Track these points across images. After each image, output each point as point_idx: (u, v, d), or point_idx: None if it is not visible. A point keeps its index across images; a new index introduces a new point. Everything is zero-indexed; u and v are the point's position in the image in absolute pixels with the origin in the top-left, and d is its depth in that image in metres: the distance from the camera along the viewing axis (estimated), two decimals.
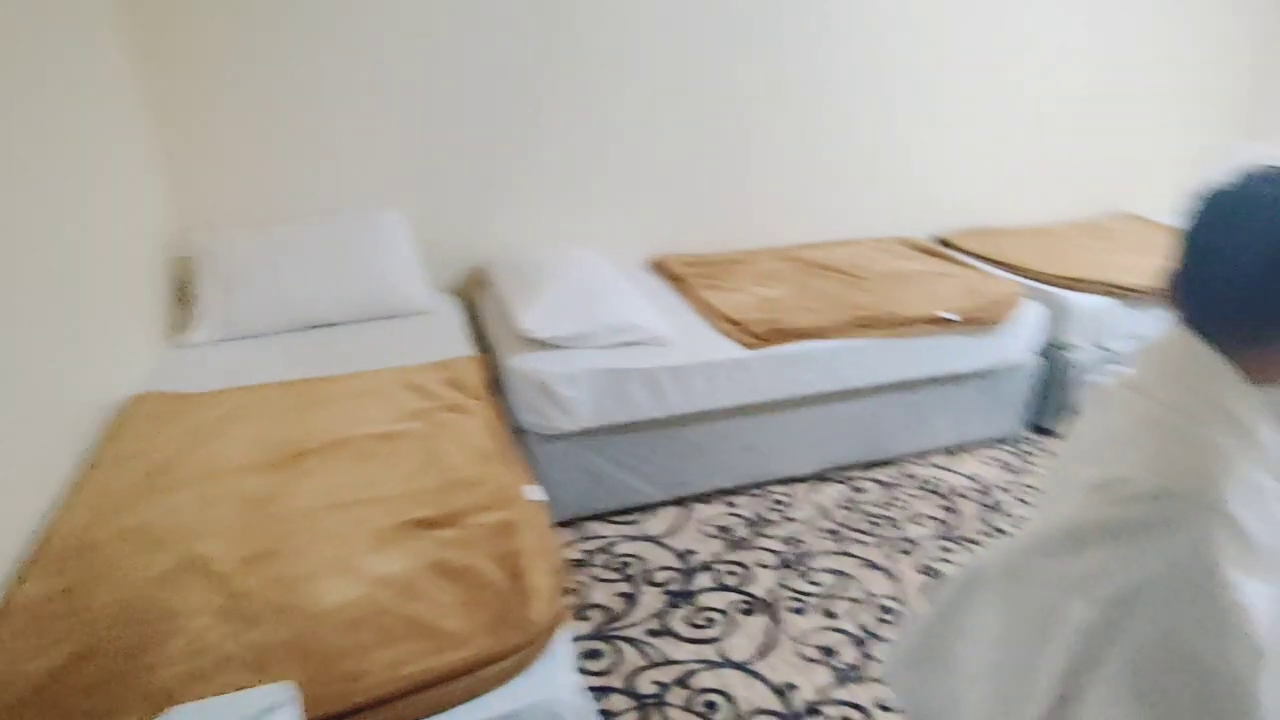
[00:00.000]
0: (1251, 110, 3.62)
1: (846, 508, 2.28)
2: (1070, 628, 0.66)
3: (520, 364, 2.00)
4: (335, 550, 1.24)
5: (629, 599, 1.88)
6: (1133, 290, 2.55)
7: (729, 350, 2.15)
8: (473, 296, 2.59)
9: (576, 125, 2.58)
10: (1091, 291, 2.59)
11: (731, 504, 2.28)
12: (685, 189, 2.82)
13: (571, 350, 2.05)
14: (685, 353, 2.11)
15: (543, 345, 2.06)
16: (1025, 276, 2.71)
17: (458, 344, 2.13)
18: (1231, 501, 0.62)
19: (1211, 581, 0.60)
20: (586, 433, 2.06)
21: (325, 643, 1.06)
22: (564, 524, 2.15)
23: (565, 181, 2.65)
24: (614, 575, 1.97)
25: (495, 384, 2.03)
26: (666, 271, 2.71)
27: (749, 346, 2.16)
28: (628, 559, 2.03)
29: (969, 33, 2.98)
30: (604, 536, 2.12)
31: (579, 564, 2.01)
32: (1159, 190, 3.50)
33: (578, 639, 1.75)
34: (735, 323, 2.25)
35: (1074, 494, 0.73)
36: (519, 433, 2.01)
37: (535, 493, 1.44)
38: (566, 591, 1.88)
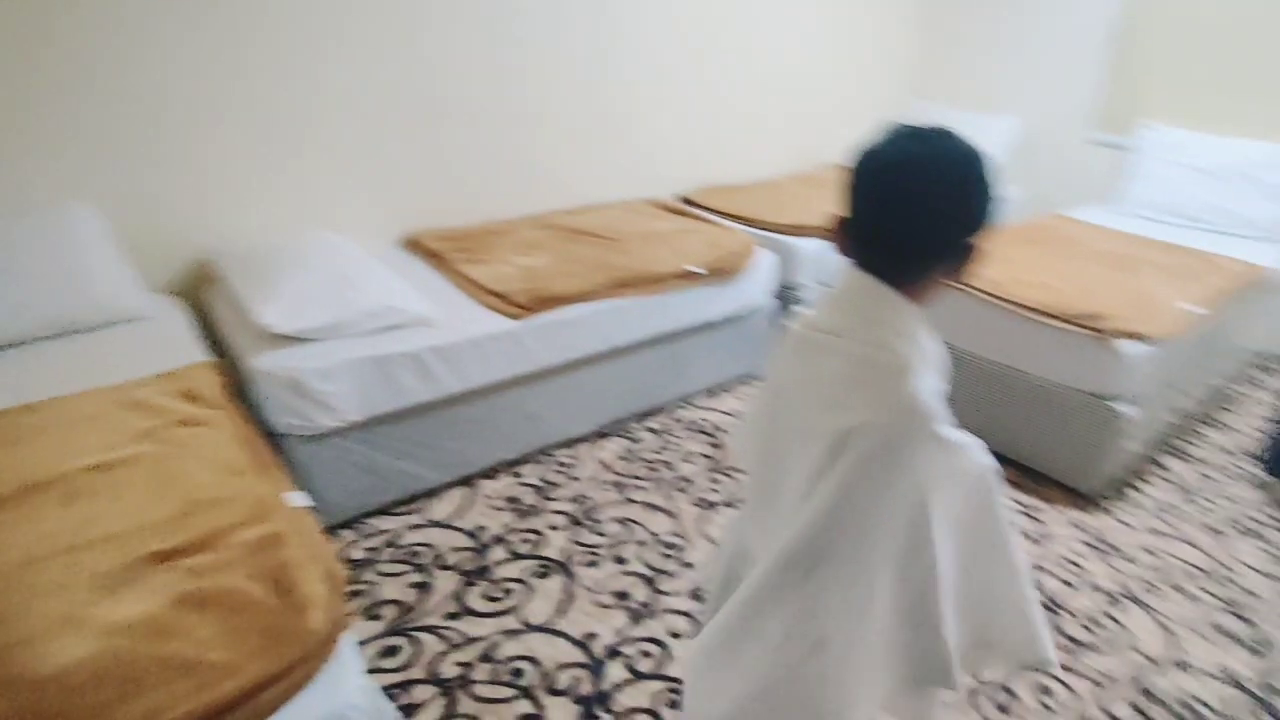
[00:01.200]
0: (922, 71, 4.28)
1: (626, 459, 2.41)
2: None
3: (266, 363, 1.83)
4: (57, 605, 1.07)
5: (422, 588, 1.84)
6: None
7: (496, 323, 2.14)
8: (199, 295, 2.30)
9: (295, 98, 2.35)
10: (812, 236, 2.94)
11: (518, 474, 2.31)
12: (433, 163, 2.72)
13: (325, 342, 1.92)
14: (451, 331, 2.06)
15: (291, 340, 1.90)
16: (757, 227, 3.00)
17: (186, 350, 1.88)
18: (937, 420, 0.78)
19: (920, 415, 0.76)
20: (355, 427, 1.95)
21: (58, 710, 0.92)
22: (343, 525, 2.04)
23: (294, 161, 2.42)
24: (404, 567, 1.91)
25: (238, 389, 1.84)
26: (422, 249, 2.61)
27: (515, 317, 2.17)
28: (417, 548, 1.98)
29: (695, 5, 3.18)
30: (388, 530, 2.04)
31: (364, 563, 1.92)
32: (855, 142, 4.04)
33: (371, 639, 1.68)
34: (499, 295, 2.24)
35: (816, 445, 0.82)
36: (276, 437, 1.84)
37: (299, 499, 1.35)
38: (350, 595, 1.79)
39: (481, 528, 2.07)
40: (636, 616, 1.79)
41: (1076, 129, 3.73)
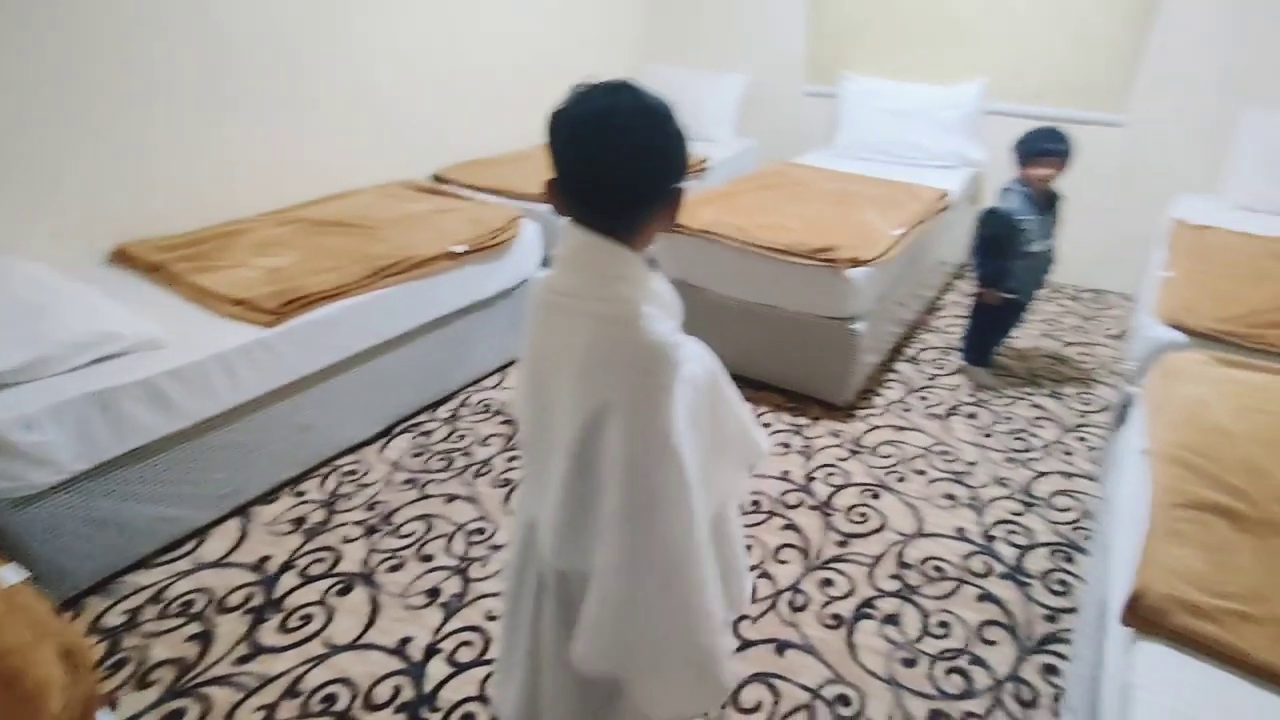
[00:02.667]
0: (653, 36, 4.46)
1: (418, 454, 2.32)
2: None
3: None
4: None
5: (203, 639, 1.65)
6: None
7: (242, 334, 1.93)
8: None
9: None
10: None
11: (300, 493, 2.13)
12: (141, 163, 2.34)
13: (23, 386, 1.61)
14: (187, 350, 1.83)
15: None
16: (517, 199, 2.98)
17: None
18: (675, 349, 0.84)
19: (664, 357, 0.83)
20: (82, 478, 1.68)
21: None
22: (89, 591, 1.76)
23: None
24: (176, 621, 1.70)
25: None
26: (140, 263, 2.26)
27: (265, 325, 1.98)
28: (189, 597, 1.76)
29: None
30: (150, 585, 1.80)
31: (125, 627, 1.67)
32: None
33: (147, 710, 1.48)
34: (241, 302, 2.02)
35: (575, 410, 0.87)
36: None
37: (11, 574, 1.14)
38: (108, 667, 1.57)
39: (265, 558, 1.89)
40: (451, 610, 1.75)
41: (794, 83, 4.12)
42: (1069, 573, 1.89)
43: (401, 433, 2.43)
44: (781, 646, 1.67)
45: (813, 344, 2.55)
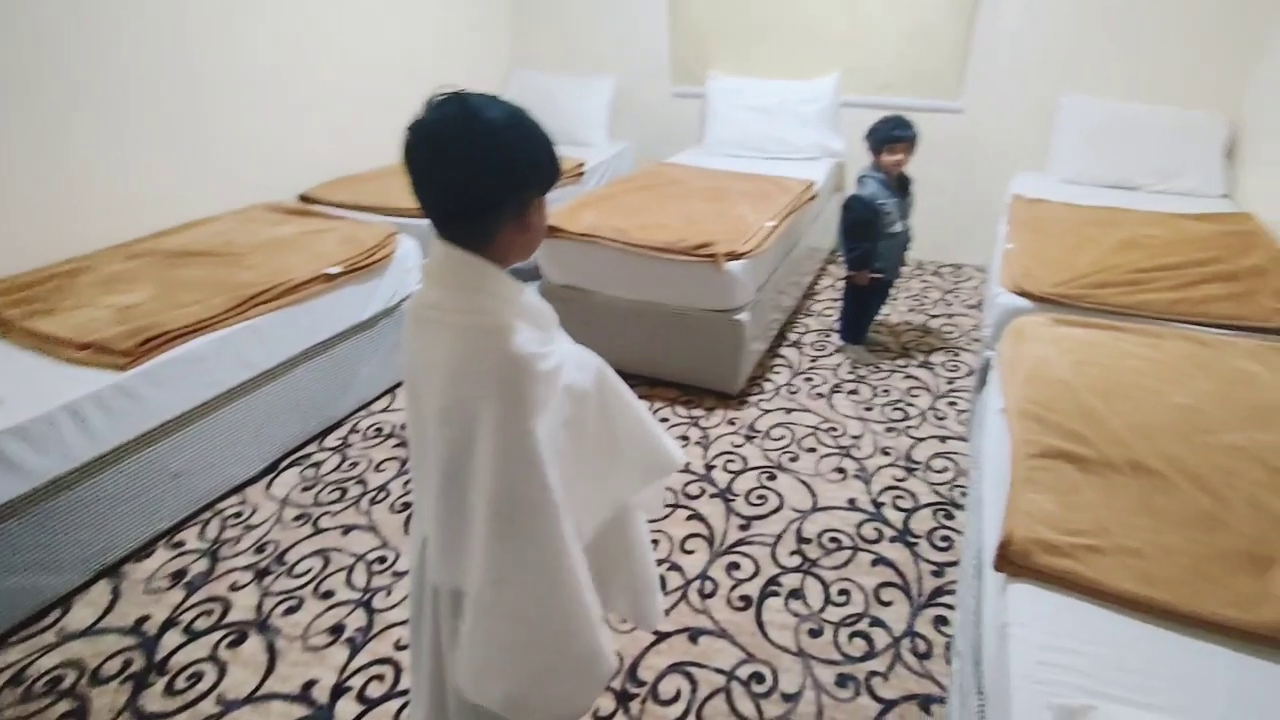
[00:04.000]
0: (523, 42, 4.43)
1: (309, 487, 2.22)
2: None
3: None
4: None
5: (77, 715, 1.51)
6: None
7: (94, 380, 1.78)
8: None
9: None
10: None
11: (178, 544, 1.98)
12: None
13: None
14: (29, 404, 1.66)
15: None
16: (392, 214, 2.89)
17: None
18: (537, 361, 0.84)
19: (523, 369, 0.83)
20: None
21: None
22: None
23: None
24: (45, 701, 1.54)
25: None
26: None
27: (121, 368, 1.83)
28: (56, 672, 1.61)
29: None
30: (8, 666, 1.62)
31: None
32: None
33: None
34: (90, 345, 1.86)
35: (445, 423, 0.86)
36: None
37: None
38: None
39: (143, 619, 1.75)
40: (357, 646, 1.68)
41: (662, 84, 4.21)
42: (950, 528, 2.04)
43: (289, 467, 2.31)
44: (695, 634, 1.72)
45: (701, 337, 2.62)
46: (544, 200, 0.89)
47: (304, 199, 3.13)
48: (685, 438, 2.46)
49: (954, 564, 1.91)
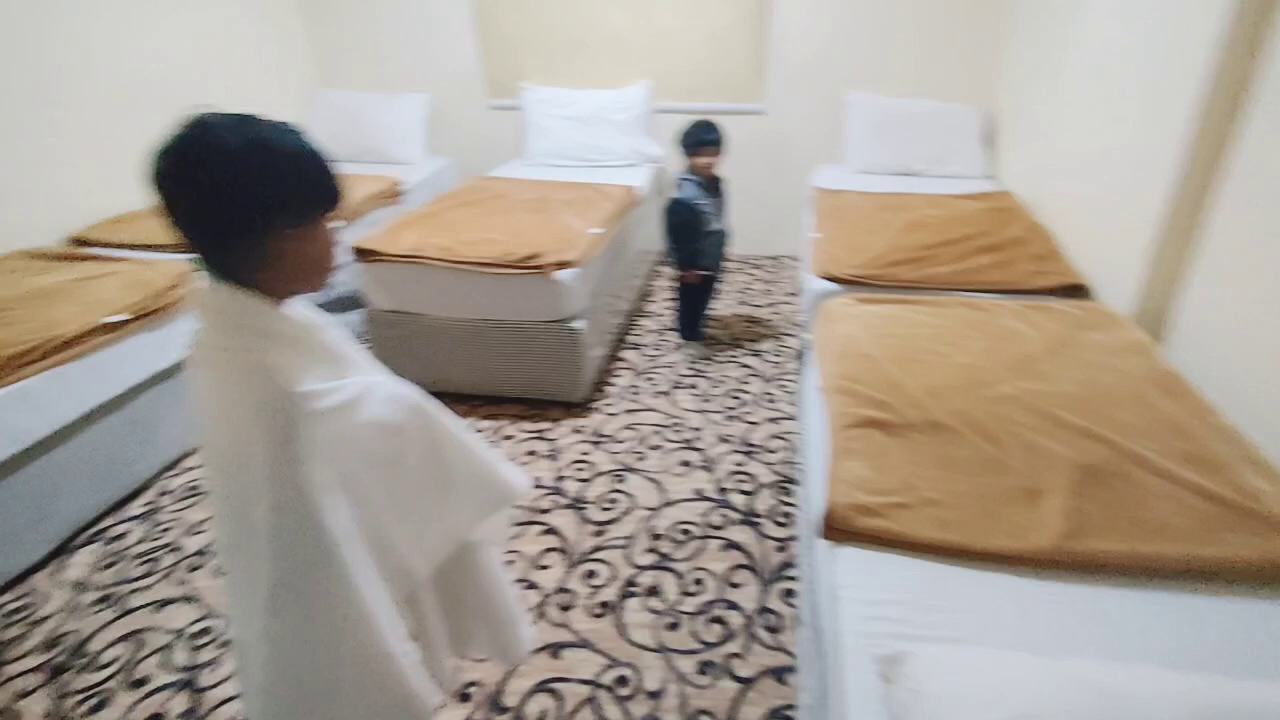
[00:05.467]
0: (320, 63, 4.20)
1: (110, 564, 1.97)
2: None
3: None
4: None
5: None
6: None
7: None
8: None
9: None
10: None
11: None
12: None
13: None
14: None
15: None
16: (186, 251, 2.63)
17: None
18: (310, 400, 0.78)
19: (288, 412, 0.77)
20: None
21: None
22: None
23: None
24: None
25: None
26: None
27: None
28: None
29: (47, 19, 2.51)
30: None
31: None
32: None
33: None
34: None
35: (221, 467, 0.80)
36: None
37: None
38: None
39: None
40: None
41: (478, 97, 4.15)
42: (789, 504, 2.16)
43: (84, 545, 2.04)
44: (556, 649, 1.70)
45: (540, 349, 2.60)
46: (322, 227, 0.84)
47: (77, 241, 2.77)
48: (533, 452, 2.44)
49: (795, 538, 2.02)
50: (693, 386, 2.84)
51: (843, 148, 3.76)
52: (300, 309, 0.88)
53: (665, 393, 2.80)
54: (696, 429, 2.56)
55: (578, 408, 2.70)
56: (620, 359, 3.06)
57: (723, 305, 3.52)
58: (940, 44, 3.61)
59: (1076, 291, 2.23)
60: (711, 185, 2.86)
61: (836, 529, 1.34)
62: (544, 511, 2.16)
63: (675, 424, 2.59)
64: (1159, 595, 1.16)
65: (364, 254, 2.59)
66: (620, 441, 2.49)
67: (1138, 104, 2.16)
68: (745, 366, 2.98)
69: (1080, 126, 2.59)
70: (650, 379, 2.90)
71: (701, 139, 2.77)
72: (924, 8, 3.55)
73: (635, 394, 2.79)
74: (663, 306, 3.55)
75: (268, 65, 3.87)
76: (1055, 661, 0.96)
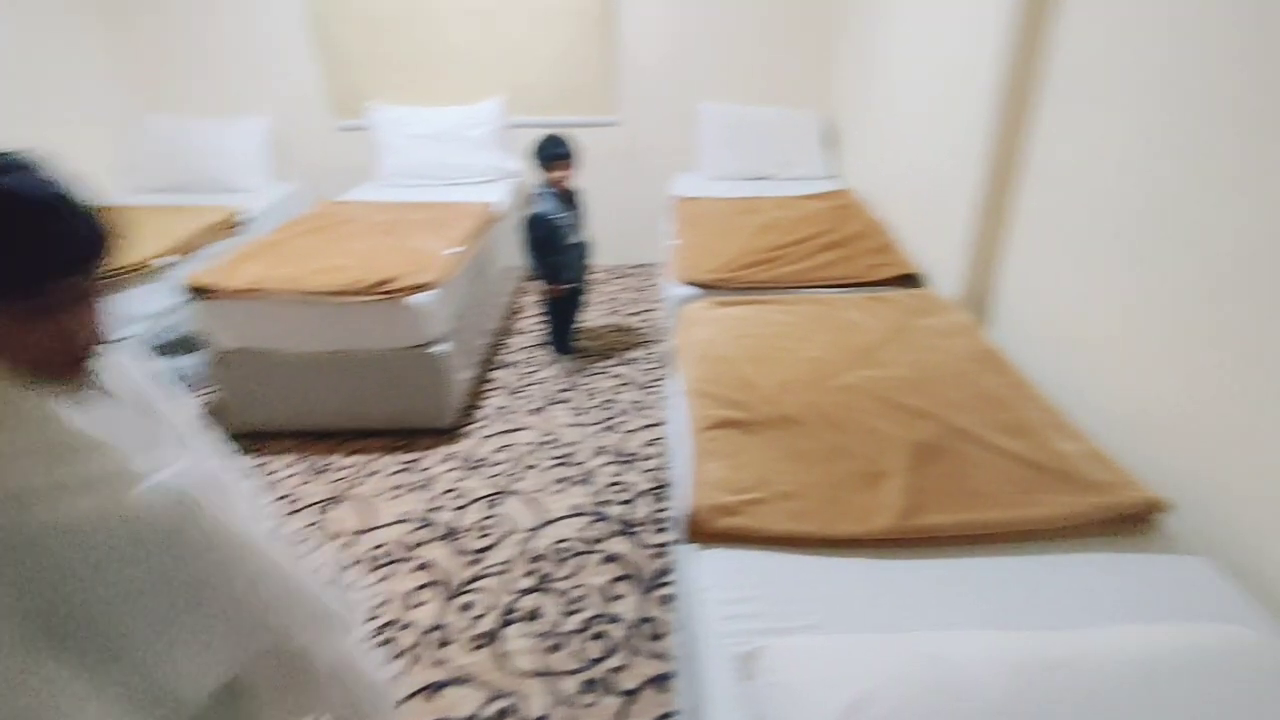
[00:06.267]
0: (142, 86, 3.86)
1: None
2: None
3: None
4: None
5: None
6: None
7: None
8: None
9: None
10: None
11: None
12: None
13: None
14: None
15: None
16: None
17: None
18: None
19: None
20: None
21: None
22: None
23: None
24: None
25: None
26: None
27: None
28: None
29: None
30: None
31: None
32: None
33: None
34: None
35: None
36: None
37: None
38: None
39: None
40: None
41: (323, 119, 3.96)
42: (664, 510, 2.19)
43: None
44: (435, 689, 1.63)
45: (402, 377, 2.51)
46: (77, 290, 0.70)
47: None
48: (400, 485, 2.34)
49: (670, 543, 2.05)
50: (566, 401, 2.83)
51: (697, 155, 3.87)
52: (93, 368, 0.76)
53: (539, 409, 2.77)
54: (572, 443, 2.55)
55: (448, 433, 2.62)
56: (491, 379, 3.00)
57: (591, 316, 3.53)
58: (781, 53, 3.79)
59: (911, 280, 2.40)
60: (568, 198, 2.86)
61: (699, 531, 1.36)
62: (417, 547, 2.07)
63: (550, 440, 2.57)
64: (988, 561, 1.25)
65: (200, 291, 2.40)
66: (494, 464, 2.44)
67: (945, 103, 2.35)
68: (617, 376, 3.00)
69: (904, 126, 2.79)
70: (523, 397, 2.86)
71: (553, 153, 2.77)
72: (764, 19, 3.72)
73: (508, 414, 2.75)
74: (531, 322, 3.51)
75: (72, 88, 3.52)
76: (896, 637, 1.02)
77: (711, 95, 3.85)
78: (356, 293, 2.37)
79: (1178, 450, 1.42)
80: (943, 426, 1.53)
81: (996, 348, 1.89)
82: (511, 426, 2.66)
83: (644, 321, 3.51)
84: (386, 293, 2.37)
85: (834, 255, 2.52)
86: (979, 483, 1.37)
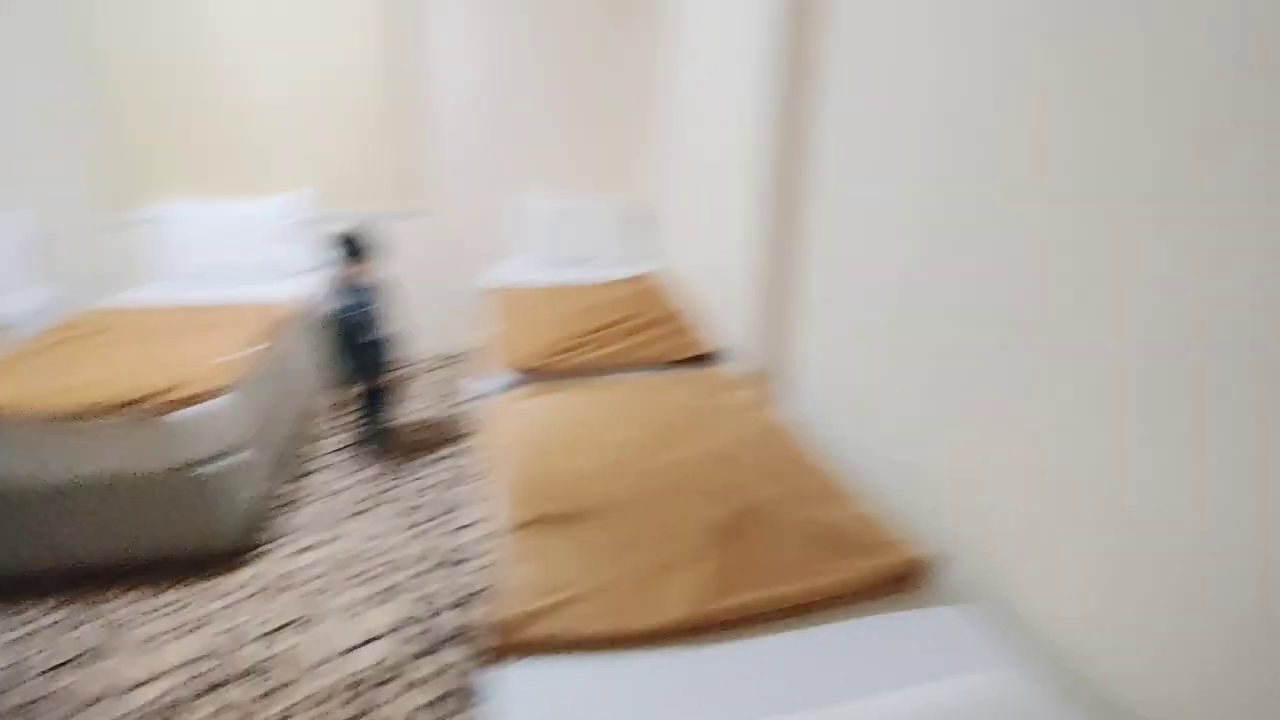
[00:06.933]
0: None
1: None
2: None
3: None
4: None
5: None
6: None
7: None
8: None
9: None
10: None
11: None
12: None
13: None
14: None
15: None
16: None
17: None
18: None
19: None
20: None
21: None
22: None
23: None
24: None
25: None
26: None
27: None
28: None
29: None
30: None
31: None
32: None
33: None
34: None
35: None
36: None
37: None
38: None
39: None
40: None
41: (96, 215, 3.59)
42: (476, 620, 2.08)
43: None
44: None
45: (179, 500, 2.24)
46: None
47: None
48: (187, 622, 2.06)
49: (481, 657, 1.95)
50: (382, 504, 2.67)
51: (514, 243, 3.91)
52: None
53: (351, 516, 2.58)
54: (389, 551, 2.39)
55: (244, 555, 2.36)
56: (297, 488, 2.77)
57: (408, 411, 3.39)
58: (598, 141, 3.98)
59: (713, 358, 2.53)
60: (369, 292, 2.77)
61: (506, 643, 1.31)
62: (209, 691, 1.82)
63: (361, 552, 2.39)
64: (784, 638, 1.30)
65: None
66: (300, 584, 2.23)
67: (731, 189, 2.56)
68: (437, 474, 2.88)
69: (704, 210, 3.00)
70: (333, 504, 2.66)
71: (353, 246, 2.68)
72: (580, 108, 3.89)
73: (316, 525, 2.53)
74: (342, 423, 3.31)
75: None
76: None
77: (528, 183, 3.94)
78: (105, 412, 2.11)
79: (951, 506, 1.57)
80: (738, 505, 1.60)
81: (790, 419, 2.03)
82: (320, 539, 2.45)
83: (460, 414, 3.42)
84: (158, 407, 2.13)
85: (643, 337, 2.62)
86: (771, 559, 1.44)
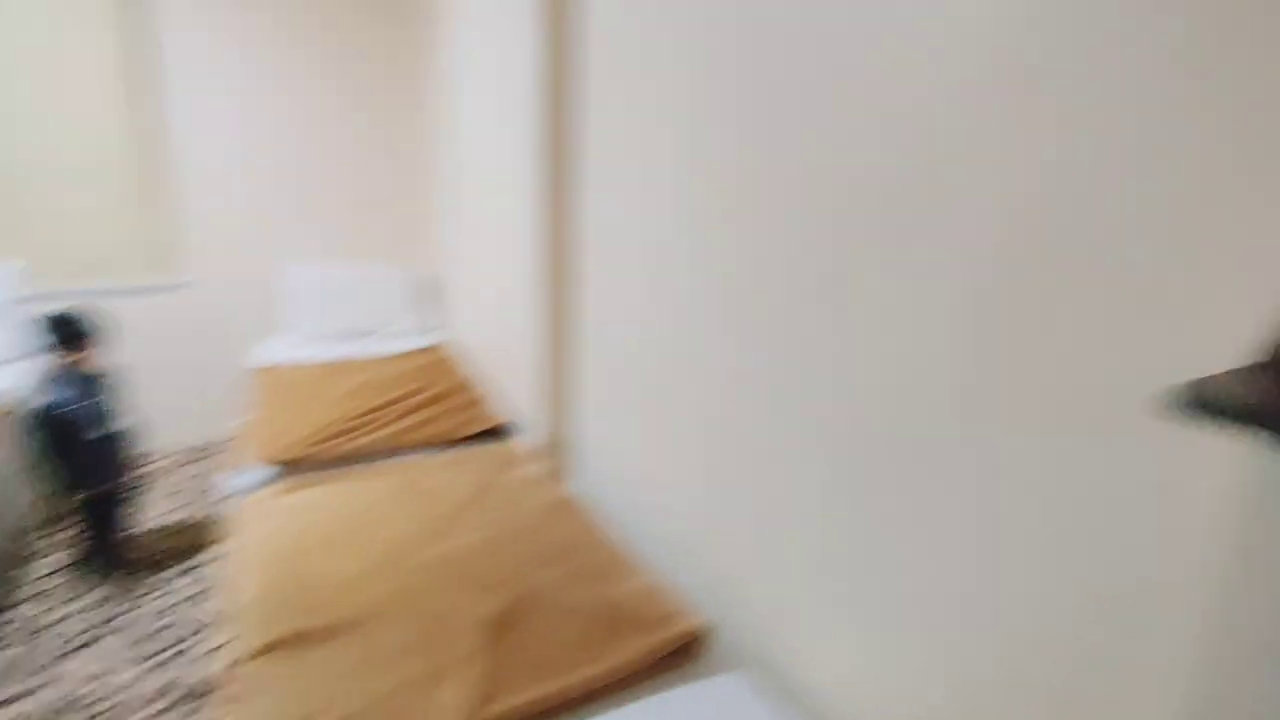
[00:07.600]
0: None
1: None
2: None
3: None
4: None
5: None
6: None
7: None
8: None
9: None
10: None
11: None
12: None
13: None
14: None
15: None
16: None
17: None
18: None
19: None
20: None
21: None
22: None
23: None
24: None
25: None
26: None
27: None
28: None
29: None
30: None
31: None
32: None
33: None
34: None
35: None
36: None
37: None
38: None
39: None
40: None
41: None
42: None
43: None
44: None
45: None
46: None
47: None
48: None
49: None
50: (113, 633, 2.23)
51: (282, 319, 3.59)
52: None
53: (77, 649, 2.13)
54: (110, 694, 1.99)
55: None
56: (3, 622, 2.25)
57: (150, 516, 2.92)
58: (379, 208, 3.79)
59: (501, 432, 2.44)
60: (92, 382, 2.37)
61: None
62: None
63: (78, 698, 1.97)
64: None
65: None
66: None
67: (509, 262, 2.53)
68: (185, 588, 2.48)
69: (486, 276, 2.93)
70: (49, 640, 2.19)
71: (73, 332, 2.30)
72: (355, 173, 3.70)
73: (25, 667, 2.06)
74: (62, 539, 2.77)
75: None
76: None
77: (299, 253, 3.65)
78: None
79: (718, 573, 1.58)
80: (514, 593, 1.51)
81: (573, 495, 1.98)
82: (28, 686, 1.99)
83: (213, 515, 3.01)
84: None
85: (425, 415, 2.47)
86: (550, 649, 1.36)
